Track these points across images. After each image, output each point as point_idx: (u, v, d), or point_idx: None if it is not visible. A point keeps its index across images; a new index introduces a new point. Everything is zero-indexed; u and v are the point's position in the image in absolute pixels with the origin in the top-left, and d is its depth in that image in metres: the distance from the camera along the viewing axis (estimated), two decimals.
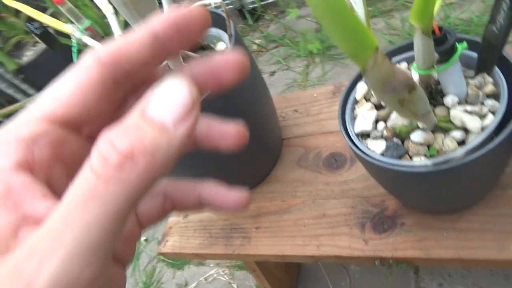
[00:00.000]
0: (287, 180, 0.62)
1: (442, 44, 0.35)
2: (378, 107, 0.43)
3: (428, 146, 0.38)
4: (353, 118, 0.45)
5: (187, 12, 0.16)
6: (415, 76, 0.41)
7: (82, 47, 0.52)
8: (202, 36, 0.17)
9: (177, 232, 0.67)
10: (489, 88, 0.39)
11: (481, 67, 0.39)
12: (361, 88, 0.45)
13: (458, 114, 0.37)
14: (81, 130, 0.17)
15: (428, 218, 0.48)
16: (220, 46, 0.57)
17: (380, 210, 0.52)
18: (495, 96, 0.38)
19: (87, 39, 0.53)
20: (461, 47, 0.36)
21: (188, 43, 0.17)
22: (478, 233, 0.45)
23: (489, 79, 0.39)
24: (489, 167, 0.39)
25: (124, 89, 0.17)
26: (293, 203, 0.59)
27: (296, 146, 0.65)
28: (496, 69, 0.38)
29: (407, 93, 0.26)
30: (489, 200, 0.46)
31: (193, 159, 0.54)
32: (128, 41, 0.16)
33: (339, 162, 0.60)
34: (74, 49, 0.53)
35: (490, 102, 0.38)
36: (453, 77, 0.38)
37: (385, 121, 0.42)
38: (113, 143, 0.13)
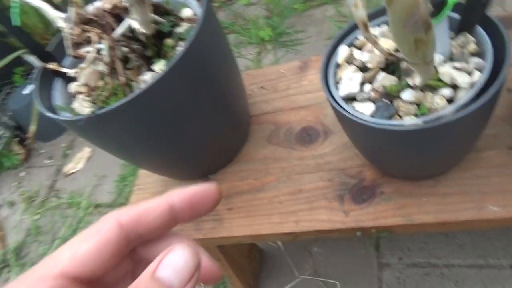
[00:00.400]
0: (258, 158, 0.59)
1: None
2: (362, 69, 0.42)
3: (418, 105, 0.37)
4: (336, 83, 0.43)
5: (203, 190, 0.19)
6: None
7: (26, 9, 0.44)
8: None
9: None
10: (472, 47, 0.39)
11: (464, 26, 0.39)
12: (343, 51, 0.43)
13: (447, 70, 0.37)
14: (93, 283, 0.18)
15: (407, 185, 0.48)
16: (186, 12, 0.52)
17: (358, 181, 0.51)
18: (478, 54, 0.39)
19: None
20: (452, 1, 0.35)
21: (198, 216, 0.20)
22: (457, 196, 0.45)
23: (472, 38, 0.39)
24: (477, 123, 0.39)
25: (133, 245, 0.19)
26: (266, 181, 0.57)
27: (266, 123, 0.63)
28: (479, 28, 0.39)
29: (424, 33, 0.25)
30: (464, 164, 0.47)
31: (160, 141, 0.49)
32: (148, 208, 0.19)
33: (312, 136, 0.58)
34: (15, 10, 0.46)
35: (475, 60, 0.38)
36: (439, 35, 0.37)
37: (371, 83, 0.40)
38: None
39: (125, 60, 0.49)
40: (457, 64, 0.37)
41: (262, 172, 0.58)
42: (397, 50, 0.39)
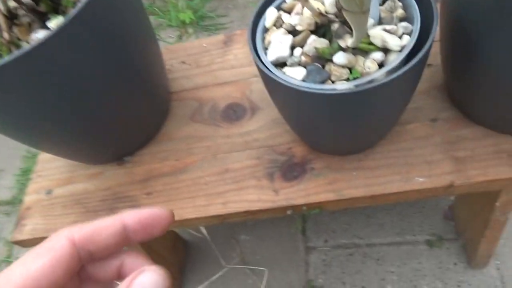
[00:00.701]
0: (180, 137, 0.54)
1: None
2: (292, 33, 0.39)
3: (350, 70, 0.35)
4: (265, 48, 0.39)
5: (155, 213, 0.20)
6: (329, 1, 0.37)
7: None
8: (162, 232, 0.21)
9: (38, 213, 0.52)
10: (400, 11, 0.38)
11: None
12: (271, 14, 0.40)
13: (379, 33, 0.35)
14: None
15: (336, 160, 0.47)
16: None
17: (288, 158, 0.48)
18: (406, 19, 0.38)
19: None
20: None
21: (149, 238, 0.20)
22: (385, 168, 0.45)
23: (399, 3, 0.38)
24: (407, 87, 0.38)
25: (83, 263, 0.19)
26: (189, 161, 0.51)
27: (188, 100, 0.57)
28: None
29: None
30: (390, 137, 0.47)
31: (60, 115, 0.41)
32: (101, 227, 0.19)
33: (238, 112, 0.54)
34: None
35: (403, 24, 0.37)
36: None
37: (302, 47, 0.37)
38: None
39: (12, 15, 0.40)
40: (387, 27, 0.35)
41: (184, 152, 0.53)
42: (326, 13, 0.37)
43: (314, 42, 0.36)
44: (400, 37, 0.36)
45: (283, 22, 0.40)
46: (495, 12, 0.32)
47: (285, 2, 0.41)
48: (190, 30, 1.38)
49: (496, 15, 0.32)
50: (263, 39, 0.40)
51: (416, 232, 0.84)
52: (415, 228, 0.84)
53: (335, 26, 0.36)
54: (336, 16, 0.37)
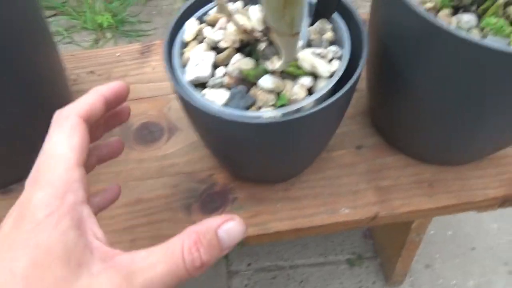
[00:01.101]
0: None
1: None
2: (214, 49, 0.34)
3: (278, 94, 0.32)
4: (182, 65, 0.34)
5: (120, 84, 0.27)
6: (256, 18, 0.34)
7: None
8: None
9: None
10: (329, 34, 0.36)
11: (320, 12, 0.36)
12: (191, 26, 0.35)
13: (308, 57, 0.32)
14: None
15: (261, 190, 0.43)
16: None
17: (208, 186, 0.44)
18: (335, 43, 0.36)
19: None
20: None
21: (119, 105, 0.29)
22: (311, 199, 0.42)
23: (328, 25, 0.36)
24: (336, 115, 0.36)
25: None
26: (94, 190, 0.44)
27: None
28: (336, 15, 0.36)
29: None
30: (317, 164, 0.44)
31: None
32: (94, 103, 0.25)
33: (154, 133, 0.48)
34: None
35: (333, 48, 0.34)
36: None
37: (225, 66, 0.33)
38: (201, 255, 0.22)
39: None
40: (317, 51, 0.33)
41: (89, 178, 0.45)
42: (252, 30, 0.33)
43: (239, 62, 0.32)
44: (329, 61, 0.34)
45: (205, 36, 0.35)
46: (421, 44, 0.31)
47: (208, 14, 0.37)
48: (108, 35, 1.28)
49: (422, 47, 0.32)
50: (182, 54, 0.35)
51: (338, 252, 0.84)
52: (337, 248, 0.85)
53: (262, 45, 0.32)
54: (264, 34, 0.33)
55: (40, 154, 0.23)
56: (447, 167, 0.43)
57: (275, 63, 0.31)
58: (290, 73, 0.32)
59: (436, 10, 0.32)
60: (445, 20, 0.31)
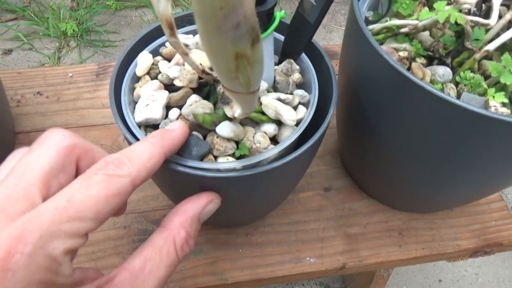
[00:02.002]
0: None
1: (261, 3, 0.26)
2: (169, 88, 0.31)
3: (237, 143, 0.29)
4: (132, 101, 0.31)
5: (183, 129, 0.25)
6: None
7: None
8: None
9: None
10: (296, 76, 0.33)
11: (288, 52, 0.33)
12: (144, 59, 0.32)
13: (272, 103, 0.29)
14: None
15: (222, 234, 0.40)
16: None
17: None
18: (302, 85, 0.33)
19: None
20: (280, 16, 0.28)
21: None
22: (274, 245, 0.39)
23: (296, 66, 0.33)
24: (301, 166, 0.33)
25: None
26: None
27: None
28: (303, 55, 0.33)
29: (250, 45, 0.15)
30: (282, 206, 0.42)
31: None
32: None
33: None
34: None
35: (300, 92, 0.32)
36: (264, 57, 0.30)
37: (179, 108, 0.30)
38: (190, 246, 0.24)
39: None
40: (282, 96, 0.30)
41: None
42: (212, 70, 0.30)
43: (195, 105, 0.29)
44: (295, 107, 0.31)
45: (159, 71, 0.32)
46: (392, 95, 0.29)
47: (166, 46, 0.34)
48: (72, 43, 1.21)
49: (393, 97, 0.29)
50: (133, 90, 0.31)
51: (305, 281, 0.82)
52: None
53: (221, 88, 0.29)
54: None
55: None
56: (418, 214, 0.41)
57: (235, 109, 0.28)
58: (252, 119, 0.29)
59: (410, 59, 0.30)
60: (419, 71, 0.28)
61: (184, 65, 0.31)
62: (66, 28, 1.20)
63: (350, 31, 0.32)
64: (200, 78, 0.31)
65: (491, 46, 0.27)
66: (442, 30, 0.28)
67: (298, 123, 0.30)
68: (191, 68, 0.28)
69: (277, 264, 0.38)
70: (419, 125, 0.29)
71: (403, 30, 0.29)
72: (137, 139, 0.28)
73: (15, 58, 1.17)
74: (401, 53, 0.29)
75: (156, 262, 0.22)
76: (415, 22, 0.28)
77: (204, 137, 0.29)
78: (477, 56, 0.28)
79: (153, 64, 0.32)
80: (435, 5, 0.27)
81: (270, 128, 0.29)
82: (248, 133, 0.29)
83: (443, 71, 0.28)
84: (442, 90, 0.28)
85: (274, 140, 0.30)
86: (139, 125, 0.29)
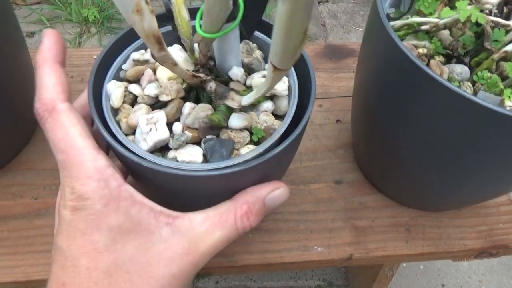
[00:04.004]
0: (43, 168, 0.43)
1: None
2: (153, 106, 0.30)
3: (248, 131, 0.29)
4: (125, 134, 0.29)
5: (55, 35, 0.26)
6: (183, 58, 0.31)
7: None
8: None
9: None
10: (258, 52, 0.33)
11: (243, 34, 0.32)
12: (115, 90, 0.29)
13: (262, 81, 0.30)
14: None
15: None
16: None
17: None
18: (266, 60, 0.33)
19: None
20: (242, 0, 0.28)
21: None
22: (284, 233, 0.40)
23: (253, 44, 0.33)
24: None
25: None
26: (52, 202, 0.41)
27: None
28: (257, 33, 0.33)
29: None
30: (293, 196, 0.43)
31: None
32: (59, 79, 0.25)
33: None
34: None
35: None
36: (232, 43, 0.30)
37: (177, 121, 0.29)
38: (251, 222, 0.26)
39: None
40: (265, 72, 0.31)
41: (47, 189, 0.42)
42: (197, 70, 0.30)
43: (195, 111, 0.28)
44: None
45: (133, 96, 0.30)
46: (410, 90, 0.30)
47: (123, 69, 0.32)
48: (93, 30, 1.24)
49: (410, 93, 0.30)
50: (118, 123, 0.29)
51: (308, 277, 0.83)
52: (307, 273, 0.83)
53: (212, 85, 0.29)
54: (210, 72, 0.30)
55: (57, 152, 0.24)
56: (426, 212, 0.42)
57: (236, 99, 0.29)
58: (251, 104, 0.30)
59: (429, 56, 0.30)
60: (437, 68, 0.29)
61: (158, 80, 0.30)
62: (88, 14, 1.22)
63: (372, 26, 0.33)
64: (185, 87, 0.30)
65: (510, 48, 0.28)
66: (462, 30, 0.29)
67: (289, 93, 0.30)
68: (182, 76, 0.28)
69: (285, 251, 0.39)
70: (434, 121, 0.30)
71: (423, 27, 0.30)
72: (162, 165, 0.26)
73: (37, 41, 1.19)
74: (420, 50, 0.30)
75: (214, 221, 0.25)
76: (436, 20, 0.29)
77: (218, 136, 0.29)
78: (496, 56, 0.28)
79: (123, 91, 0.30)
80: (457, 4, 0.27)
81: (268, 105, 0.30)
82: (253, 117, 0.30)
83: (460, 70, 0.29)
84: (459, 87, 0.29)
85: (274, 115, 0.31)
86: (150, 152, 0.27)
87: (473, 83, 0.29)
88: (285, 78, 0.31)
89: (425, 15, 0.32)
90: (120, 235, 0.23)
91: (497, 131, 0.27)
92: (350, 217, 0.41)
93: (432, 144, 0.31)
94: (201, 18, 0.27)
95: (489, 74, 0.28)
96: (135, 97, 0.30)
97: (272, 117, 0.30)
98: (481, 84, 0.28)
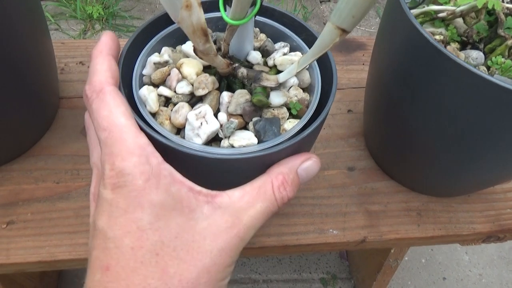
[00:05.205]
0: (64, 154, 0.44)
1: None
2: (189, 102, 0.31)
3: (285, 106, 0.31)
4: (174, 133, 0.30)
5: (112, 35, 0.28)
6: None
7: None
8: None
9: None
10: (263, 36, 0.35)
11: None
12: (151, 96, 0.30)
13: (285, 58, 0.31)
14: None
15: None
16: None
17: None
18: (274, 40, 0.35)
19: None
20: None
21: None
22: (300, 216, 0.42)
23: (256, 28, 0.35)
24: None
25: None
26: (74, 186, 0.42)
27: (81, 109, 0.48)
28: (257, 17, 0.34)
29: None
30: (308, 182, 0.44)
31: None
32: (109, 66, 0.26)
33: None
34: None
35: (282, 44, 0.34)
36: (249, 29, 0.31)
37: (219, 111, 0.30)
38: (288, 193, 0.27)
39: None
40: (284, 50, 0.32)
41: (68, 174, 0.43)
42: (232, 57, 0.31)
43: (235, 99, 0.30)
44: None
45: (166, 97, 0.30)
46: (426, 74, 0.31)
47: (144, 75, 0.32)
48: (97, 27, 1.24)
49: (427, 76, 0.32)
50: (161, 124, 0.30)
51: (312, 270, 0.84)
52: (311, 266, 0.84)
53: (243, 71, 0.30)
54: (236, 60, 0.32)
55: (100, 131, 0.24)
56: (437, 197, 0.43)
57: (272, 78, 0.30)
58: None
59: (445, 43, 0.32)
60: (454, 53, 0.31)
61: (186, 77, 0.31)
62: (92, 11, 1.23)
63: (391, 15, 0.34)
64: (218, 77, 0.31)
65: None
66: (477, 18, 0.31)
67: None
68: (220, 66, 0.29)
69: (302, 233, 0.41)
70: (450, 104, 0.31)
71: (440, 15, 0.32)
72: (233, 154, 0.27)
73: None
74: (437, 37, 0.32)
75: (253, 195, 0.25)
76: (453, 8, 0.31)
77: (261, 117, 0.30)
78: (509, 42, 0.30)
79: (157, 95, 0.30)
80: None
81: (295, 80, 0.31)
82: (286, 94, 0.31)
83: (476, 55, 0.31)
84: None
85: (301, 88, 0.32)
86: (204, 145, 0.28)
87: (488, 68, 0.31)
88: (298, 53, 0.33)
89: (440, 4, 0.33)
90: (163, 212, 0.23)
91: None
92: (364, 202, 0.43)
93: (447, 127, 0.33)
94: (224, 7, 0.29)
95: (503, 59, 0.30)
96: (167, 98, 0.31)
97: (300, 90, 0.31)
98: (496, 69, 0.30)
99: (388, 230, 0.41)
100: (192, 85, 0.30)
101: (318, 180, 0.44)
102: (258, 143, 0.28)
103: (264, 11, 0.35)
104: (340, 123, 0.49)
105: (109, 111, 0.24)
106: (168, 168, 0.24)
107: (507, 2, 0.30)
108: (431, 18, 0.32)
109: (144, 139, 0.24)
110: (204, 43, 0.25)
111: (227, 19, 0.28)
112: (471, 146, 0.33)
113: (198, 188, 0.25)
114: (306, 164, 0.27)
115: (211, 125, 0.28)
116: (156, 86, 0.31)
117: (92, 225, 0.24)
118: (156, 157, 0.24)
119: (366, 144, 0.47)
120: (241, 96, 0.30)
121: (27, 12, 0.37)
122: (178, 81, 0.31)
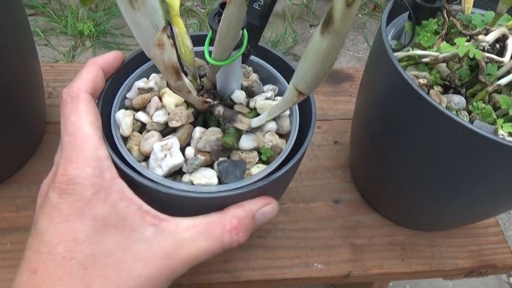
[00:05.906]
0: None
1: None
2: (162, 132, 0.31)
3: (256, 150, 0.31)
4: (137, 160, 0.30)
5: (117, 55, 0.30)
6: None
7: None
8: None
9: None
10: (254, 76, 0.35)
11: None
12: (125, 119, 0.30)
13: (266, 103, 0.32)
14: None
15: None
16: None
17: None
18: (263, 81, 0.35)
19: None
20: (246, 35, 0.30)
21: (111, 72, 0.30)
22: (285, 250, 0.42)
23: (249, 68, 0.36)
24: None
25: None
26: None
27: None
28: (252, 57, 0.35)
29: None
30: (294, 214, 0.44)
31: None
32: (94, 77, 0.28)
33: None
34: None
35: (270, 87, 0.34)
36: (235, 68, 0.32)
37: (187, 146, 0.30)
38: (239, 238, 0.26)
39: None
40: (268, 95, 0.33)
41: None
42: (201, 96, 0.31)
43: (206, 135, 0.30)
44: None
45: (142, 123, 0.31)
46: (409, 116, 0.32)
47: (127, 98, 0.33)
48: (88, 43, 1.24)
49: (409, 118, 0.32)
50: (129, 150, 0.30)
51: None
52: None
53: (220, 109, 0.30)
54: (213, 97, 0.32)
55: (64, 134, 0.25)
56: (420, 232, 0.44)
57: (245, 121, 0.30)
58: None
59: (428, 86, 0.33)
60: (436, 98, 0.32)
61: (164, 107, 0.31)
62: (83, 28, 1.23)
63: (376, 56, 0.35)
64: (194, 112, 0.32)
65: (503, 81, 0.31)
66: (460, 63, 0.32)
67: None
68: (195, 102, 0.30)
69: (287, 267, 0.40)
70: (431, 146, 0.32)
71: (424, 59, 0.33)
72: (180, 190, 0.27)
73: None
74: (421, 80, 0.32)
75: (200, 230, 0.25)
76: (436, 54, 0.32)
77: (229, 158, 0.30)
78: (489, 89, 0.31)
79: (132, 119, 0.31)
80: (456, 41, 0.30)
81: (273, 125, 0.32)
82: (260, 138, 0.31)
83: (458, 100, 0.32)
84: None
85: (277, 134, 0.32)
86: (165, 177, 0.28)
87: (469, 113, 0.32)
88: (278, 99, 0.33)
89: (424, 48, 0.34)
90: (103, 228, 0.23)
91: (491, 156, 0.29)
92: (349, 235, 0.43)
93: (427, 168, 0.34)
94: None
95: (483, 104, 0.31)
96: (143, 124, 0.31)
97: (277, 136, 0.32)
98: (476, 114, 0.31)
99: (373, 265, 0.41)
100: (169, 115, 0.31)
101: (304, 212, 0.44)
102: (218, 183, 0.28)
103: (261, 52, 0.35)
104: (327, 154, 0.50)
105: (78, 117, 0.25)
106: (120, 184, 0.25)
107: (487, 51, 0.31)
108: (415, 62, 0.33)
109: (103, 152, 0.25)
110: (175, 80, 0.26)
111: (208, 58, 0.28)
112: (452, 187, 0.34)
113: (147, 207, 0.25)
114: (265, 209, 0.27)
115: (175, 159, 0.28)
116: (136, 110, 0.32)
117: (35, 222, 0.24)
118: (111, 172, 0.24)
119: (352, 176, 0.48)
120: (213, 134, 0.30)
121: (15, 34, 0.37)
122: (157, 109, 0.31)
